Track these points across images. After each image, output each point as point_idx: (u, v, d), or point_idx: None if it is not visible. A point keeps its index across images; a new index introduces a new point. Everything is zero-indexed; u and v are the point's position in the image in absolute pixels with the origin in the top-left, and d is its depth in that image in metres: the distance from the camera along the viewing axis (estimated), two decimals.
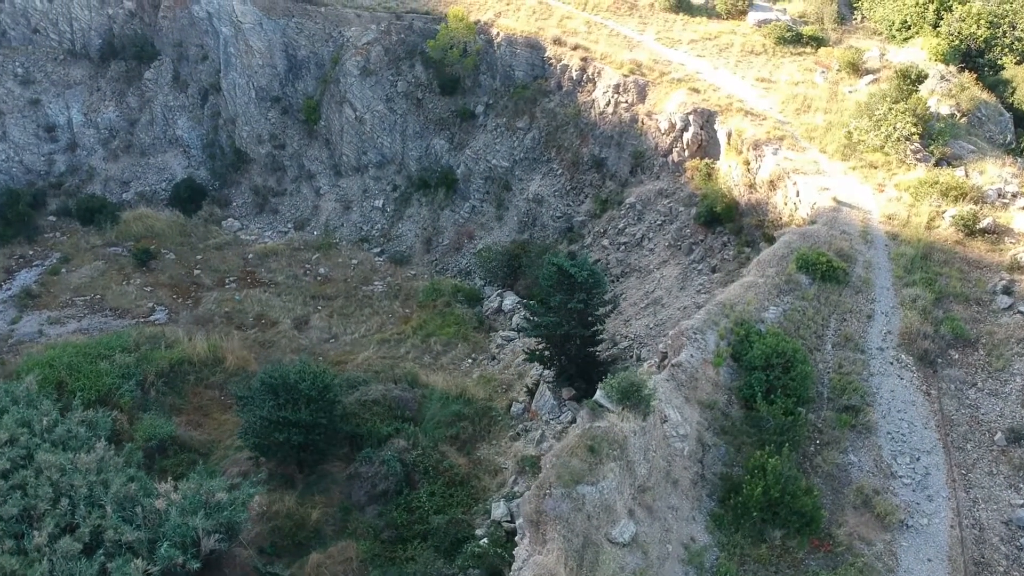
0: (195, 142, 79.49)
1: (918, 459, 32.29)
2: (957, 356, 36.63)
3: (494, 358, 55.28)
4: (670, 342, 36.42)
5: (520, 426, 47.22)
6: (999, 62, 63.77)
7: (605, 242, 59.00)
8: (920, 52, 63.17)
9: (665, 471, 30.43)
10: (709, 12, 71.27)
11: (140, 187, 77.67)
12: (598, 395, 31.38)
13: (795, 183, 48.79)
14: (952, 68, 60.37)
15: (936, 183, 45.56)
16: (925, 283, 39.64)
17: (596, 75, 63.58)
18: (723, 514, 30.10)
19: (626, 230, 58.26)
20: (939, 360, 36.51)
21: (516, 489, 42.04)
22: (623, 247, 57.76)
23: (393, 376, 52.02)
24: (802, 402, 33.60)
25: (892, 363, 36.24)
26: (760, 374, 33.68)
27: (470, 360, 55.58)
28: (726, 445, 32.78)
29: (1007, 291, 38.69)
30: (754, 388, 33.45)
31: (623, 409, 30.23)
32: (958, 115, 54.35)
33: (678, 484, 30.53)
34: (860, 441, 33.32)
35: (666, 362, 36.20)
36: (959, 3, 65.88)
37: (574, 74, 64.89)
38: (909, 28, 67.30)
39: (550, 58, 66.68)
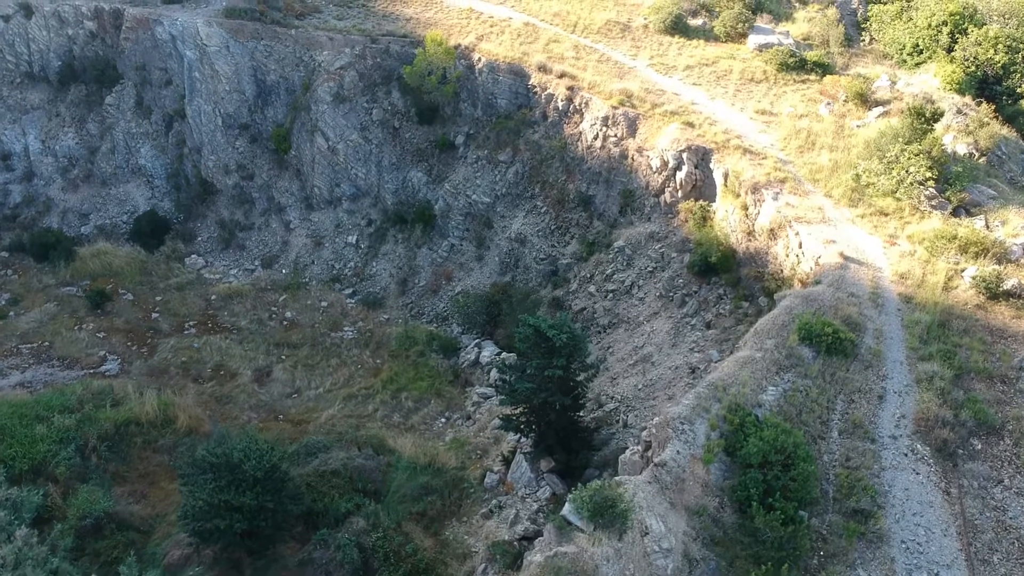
0: (159, 172, 74.94)
1: (937, 574, 27.97)
2: (980, 446, 32.41)
3: (469, 417, 50.97)
4: (654, 431, 32.28)
5: (494, 501, 43.03)
6: (1019, 90, 59.41)
7: (592, 288, 54.58)
8: (933, 79, 59.00)
9: None
10: (707, 34, 67.00)
11: (100, 220, 73.21)
12: (566, 510, 27.38)
13: (797, 233, 44.50)
14: (968, 99, 56.04)
15: (954, 237, 41.20)
16: (943, 357, 35.44)
17: (583, 106, 59.16)
18: None
19: (614, 276, 53.84)
20: (960, 451, 32.29)
21: None
22: (611, 295, 53.35)
23: (357, 440, 47.73)
24: (804, 504, 29.42)
25: (907, 454, 31.99)
26: (756, 473, 29.66)
27: (443, 419, 51.25)
28: (717, 559, 28.60)
29: None
30: (749, 490, 29.39)
31: (595, 528, 26.20)
32: (976, 154, 50.09)
33: None
34: (870, 552, 29.09)
35: (650, 452, 32.19)
36: (975, 26, 61.63)
37: (560, 104, 60.49)
38: (921, 52, 63.31)
39: (535, 86, 62.29)
